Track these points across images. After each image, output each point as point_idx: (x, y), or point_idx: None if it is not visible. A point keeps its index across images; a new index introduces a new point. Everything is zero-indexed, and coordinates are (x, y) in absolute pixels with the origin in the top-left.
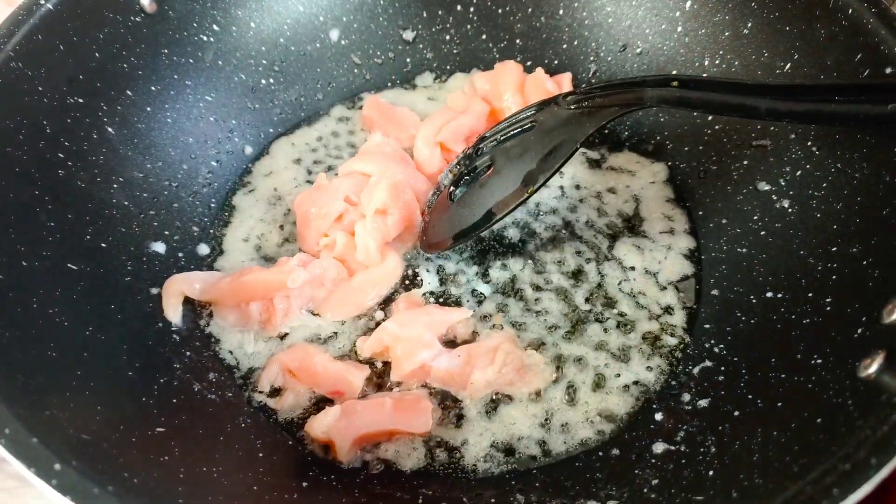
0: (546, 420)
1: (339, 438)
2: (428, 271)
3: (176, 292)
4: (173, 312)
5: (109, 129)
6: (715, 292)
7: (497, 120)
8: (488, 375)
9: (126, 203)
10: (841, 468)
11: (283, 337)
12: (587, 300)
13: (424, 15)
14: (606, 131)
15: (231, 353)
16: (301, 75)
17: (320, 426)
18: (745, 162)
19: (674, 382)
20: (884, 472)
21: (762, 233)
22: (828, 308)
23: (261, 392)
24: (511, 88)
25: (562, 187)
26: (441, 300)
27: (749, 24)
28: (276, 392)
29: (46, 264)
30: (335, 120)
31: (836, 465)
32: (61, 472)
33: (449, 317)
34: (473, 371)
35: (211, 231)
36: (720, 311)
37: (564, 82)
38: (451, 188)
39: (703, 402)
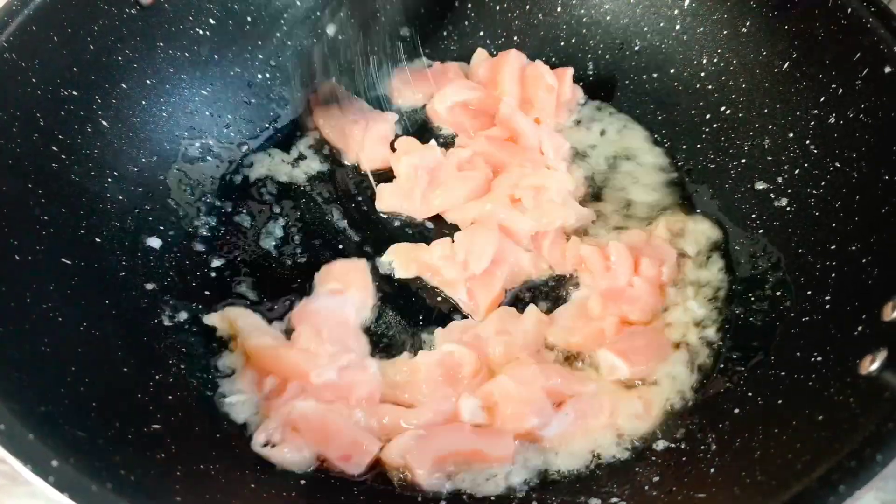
0: None
1: (417, 461)
2: None
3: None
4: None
5: (104, 123)
6: None
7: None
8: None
9: (120, 197)
10: (846, 465)
11: None
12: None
13: (421, 11)
14: (602, 132)
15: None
16: (298, 71)
17: (397, 449)
18: (743, 160)
19: None
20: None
21: (760, 231)
22: (827, 306)
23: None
24: (510, 76)
25: None
26: None
27: (748, 23)
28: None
29: (40, 258)
30: None
31: (843, 463)
32: (58, 468)
33: (574, 387)
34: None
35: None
36: None
37: (566, 77)
38: None
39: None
